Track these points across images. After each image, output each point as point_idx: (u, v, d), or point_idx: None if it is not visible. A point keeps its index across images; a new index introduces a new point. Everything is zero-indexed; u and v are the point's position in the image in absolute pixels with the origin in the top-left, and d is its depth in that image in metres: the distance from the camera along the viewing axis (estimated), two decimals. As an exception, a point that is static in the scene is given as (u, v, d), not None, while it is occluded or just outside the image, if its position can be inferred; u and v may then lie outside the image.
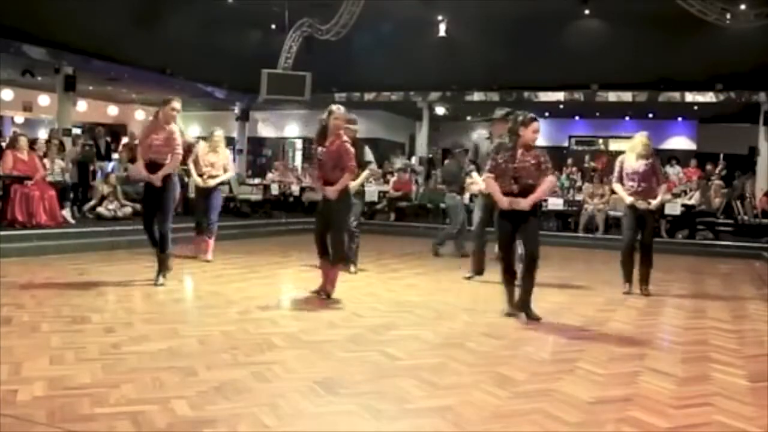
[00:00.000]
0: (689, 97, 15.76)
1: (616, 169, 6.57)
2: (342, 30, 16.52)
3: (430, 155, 19.30)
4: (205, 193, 7.81)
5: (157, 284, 5.86)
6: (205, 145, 8.03)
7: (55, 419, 2.71)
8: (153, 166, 5.85)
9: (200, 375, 3.37)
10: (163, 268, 5.99)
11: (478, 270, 6.93)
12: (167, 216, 5.94)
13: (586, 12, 16.19)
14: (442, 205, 9.94)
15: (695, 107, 16.54)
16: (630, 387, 3.43)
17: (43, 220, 8.66)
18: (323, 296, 5.56)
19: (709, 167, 15.06)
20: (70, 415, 2.76)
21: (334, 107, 5.55)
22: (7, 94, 15.84)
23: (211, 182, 7.74)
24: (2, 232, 7.83)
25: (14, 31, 12.39)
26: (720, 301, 6.24)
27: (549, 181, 4.93)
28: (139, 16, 14.63)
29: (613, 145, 19.28)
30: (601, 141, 20.39)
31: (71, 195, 10.42)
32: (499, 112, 6.65)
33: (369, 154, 7.05)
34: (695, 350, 4.30)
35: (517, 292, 5.08)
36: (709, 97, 15.50)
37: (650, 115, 18.54)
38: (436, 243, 9.20)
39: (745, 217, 12.19)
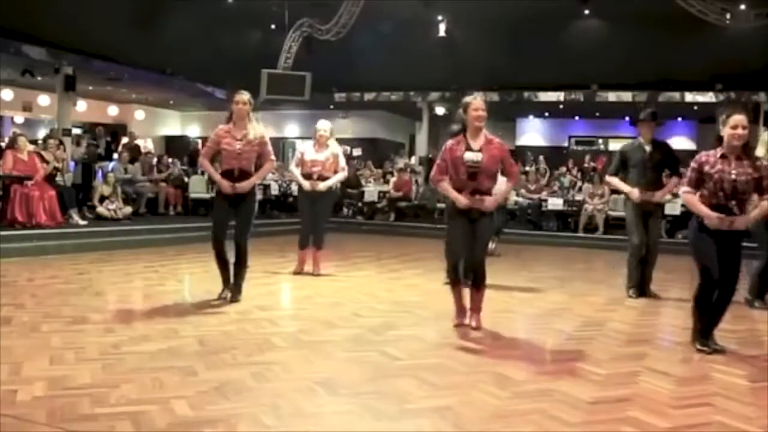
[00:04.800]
0: (689, 97, 15.78)
1: None
2: (342, 30, 16.55)
3: (430, 155, 19.31)
4: (313, 197, 6.86)
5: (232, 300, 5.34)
6: (310, 143, 7.04)
7: (55, 419, 2.71)
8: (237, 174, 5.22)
9: (200, 375, 3.37)
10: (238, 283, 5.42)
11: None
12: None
13: (586, 12, 16.23)
14: None
15: (695, 107, 16.55)
16: (630, 387, 3.42)
17: (43, 220, 8.67)
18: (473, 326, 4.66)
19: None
20: (70, 415, 2.75)
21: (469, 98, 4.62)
22: (7, 94, 15.84)
23: (321, 186, 6.79)
24: (2, 232, 7.83)
25: (14, 31, 12.39)
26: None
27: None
28: (139, 16, 14.65)
29: (613, 145, 19.28)
30: (601, 141, 20.38)
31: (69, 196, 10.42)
32: (644, 112, 6.29)
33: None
34: (695, 350, 4.29)
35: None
36: (709, 97, 15.52)
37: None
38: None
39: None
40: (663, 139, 6.57)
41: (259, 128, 5.38)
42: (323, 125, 7.00)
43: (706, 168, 4.12)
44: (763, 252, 5.92)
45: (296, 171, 7.00)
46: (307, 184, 6.84)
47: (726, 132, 4.11)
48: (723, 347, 4.24)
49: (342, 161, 7.06)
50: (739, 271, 4.20)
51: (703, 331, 4.23)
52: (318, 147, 6.92)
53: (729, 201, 4.04)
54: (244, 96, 5.24)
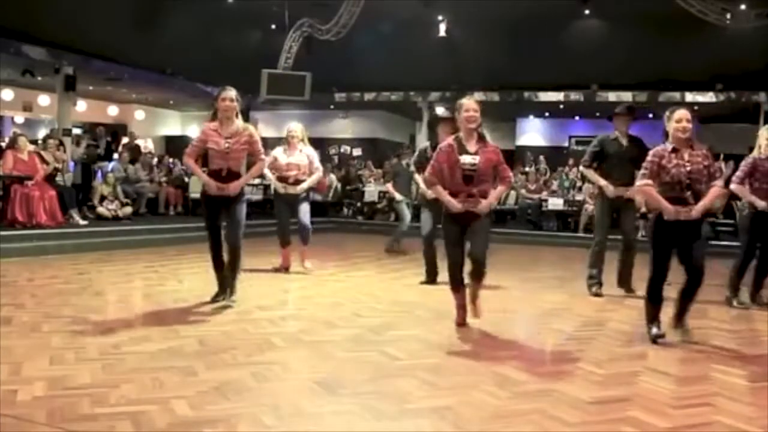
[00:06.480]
0: (689, 97, 15.76)
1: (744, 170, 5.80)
2: (342, 30, 16.54)
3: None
4: (289, 200, 6.99)
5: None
6: (281, 147, 7.13)
7: (55, 419, 2.71)
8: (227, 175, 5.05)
9: (200, 375, 3.37)
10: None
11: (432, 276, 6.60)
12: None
13: (586, 12, 16.25)
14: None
15: (695, 107, 16.52)
16: (630, 387, 3.42)
17: (43, 220, 8.67)
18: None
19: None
20: (70, 415, 2.75)
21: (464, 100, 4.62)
22: (7, 94, 15.83)
23: (298, 189, 6.90)
24: (2, 232, 7.83)
25: (14, 31, 12.38)
26: (720, 302, 6.22)
27: (717, 188, 4.24)
28: (139, 16, 14.65)
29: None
30: (601, 141, 20.35)
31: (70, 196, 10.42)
32: (620, 106, 6.43)
33: None
34: (695, 350, 4.30)
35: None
36: (709, 97, 15.51)
37: (650, 115, 18.54)
38: (392, 241, 9.44)
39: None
40: (637, 135, 6.52)
41: (248, 126, 5.22)
42: (295, 127, 7.10)
43: (664, 161, 4.26)
44: (742, 248, 6.08)
45: (271, 175, 7.01)
46: (281, 188, 6.95)
47: (672, 126, 4.29)
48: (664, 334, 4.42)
49: (316, 162, 7.14)
50: (703, 257, 4.39)
51: (655, 317, 4.46)
52: (290, 150, 7.00)
53: (684, 192, 4.22)
54: (231, 93, 5.08)
